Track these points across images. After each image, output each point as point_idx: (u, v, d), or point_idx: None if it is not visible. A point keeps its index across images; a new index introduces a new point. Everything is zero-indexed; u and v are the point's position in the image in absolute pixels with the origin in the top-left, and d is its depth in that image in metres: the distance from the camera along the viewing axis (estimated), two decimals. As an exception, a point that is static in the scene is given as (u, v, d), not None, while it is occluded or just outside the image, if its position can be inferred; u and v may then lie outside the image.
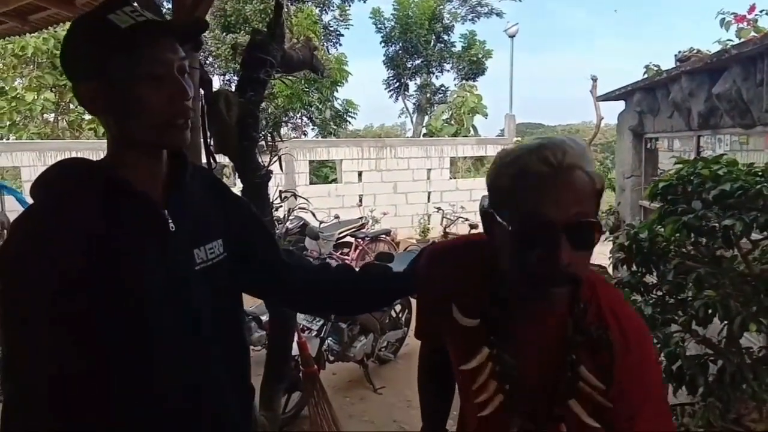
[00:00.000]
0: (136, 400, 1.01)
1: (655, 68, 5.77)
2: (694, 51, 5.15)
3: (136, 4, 1.03)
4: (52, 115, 13.23)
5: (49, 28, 4.31)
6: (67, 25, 4.19)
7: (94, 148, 8.63)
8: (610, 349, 0.99)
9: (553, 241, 0.88)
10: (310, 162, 11.00)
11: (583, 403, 1.00)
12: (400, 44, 18.57)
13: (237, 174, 2.69)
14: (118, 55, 0.96)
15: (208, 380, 1.11)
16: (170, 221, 1.07)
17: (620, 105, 6.69)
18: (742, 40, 4.63)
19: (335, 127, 16.26)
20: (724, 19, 5.20)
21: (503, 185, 0.96)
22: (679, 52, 5.26)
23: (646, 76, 5.84)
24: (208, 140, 2.45)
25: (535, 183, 0.90)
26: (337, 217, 8.69)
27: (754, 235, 2.43)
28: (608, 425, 1.01)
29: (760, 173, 2.47)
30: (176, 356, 1.05)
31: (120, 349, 0.99)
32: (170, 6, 3.06)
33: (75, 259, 0.94)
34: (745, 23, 5.11)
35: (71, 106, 12.84)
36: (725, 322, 2.32)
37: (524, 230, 0.91)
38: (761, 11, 5.10)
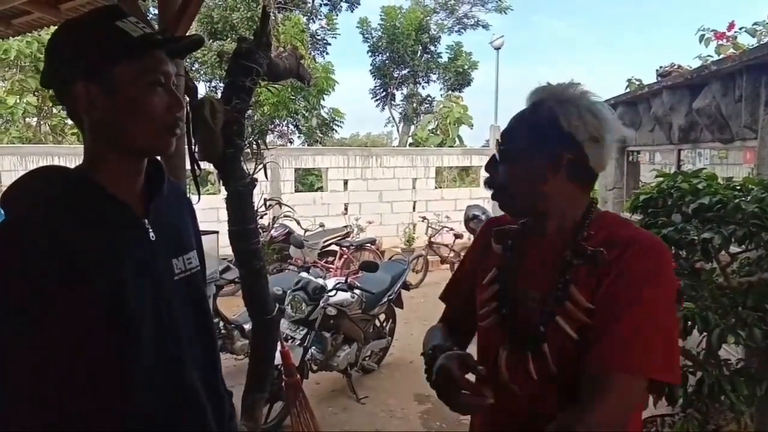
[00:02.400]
0: (114, 406, 1.01)
1: (637, 83, 5.85)
2: (675, 66, 5.24)
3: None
4: (35, 119, 13.04)
5: (33, 32, 4.28)
6: (51, 29, 4.17)
7: (77, 154, 8.48)
8: (603, 266, 1.06)
9: (489, 162, 1.23)
10: (296, 170, 10.95)
11: (567, 320, 1.08)
12: (387, 54, 18.67)
13: (221, 182, 2.68)
14: (128, 61, 1.00)
15: (187, 388, 1.11)
16: (150, 231, 1.08)
17: (603, 118, 6.77)
18: (722, 56, 4.72)
19: (321, 135, 16.24)
20: (704, 35, 5.29)
21: None
22: (661, 67, 5.35)
23: (628, 90, 5.93)
24: (193, 147, 2.44)
25: None
26: (322, 225, 8.65)
27: (733, 248, 2.47)
28: (589, 343, 1.05)
29: (738, 187, 2.52)
30: (155, 366, 1.05)
31: (99, 361, 0.99)
32: (156, 12, 3.06)
33: (51, 272, 0.93)
34: (725, 40, 5.21)
35: (54, 110, 12.67)
36: (704, 334, 2.35)
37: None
38: (740, 28, 5.20)
